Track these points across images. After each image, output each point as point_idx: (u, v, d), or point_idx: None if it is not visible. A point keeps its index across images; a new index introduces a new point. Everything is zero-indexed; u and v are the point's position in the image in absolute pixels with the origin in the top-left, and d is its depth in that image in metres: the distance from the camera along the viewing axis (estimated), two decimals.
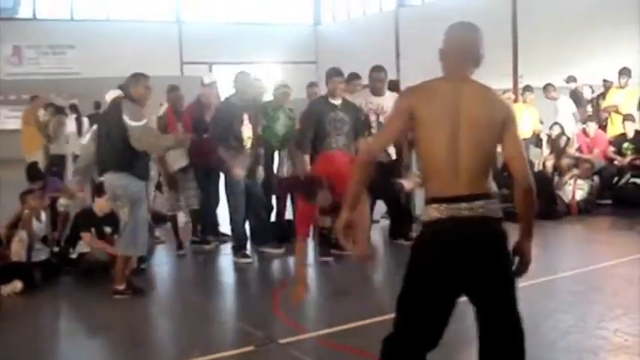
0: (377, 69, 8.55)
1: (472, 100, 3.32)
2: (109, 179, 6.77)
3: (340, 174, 5.31)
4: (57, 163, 11.75)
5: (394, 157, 8.56)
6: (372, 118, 8.28)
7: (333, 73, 8.08)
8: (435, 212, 3.25)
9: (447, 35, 3.47)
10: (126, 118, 6.52)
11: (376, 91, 8.33)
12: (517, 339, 3.36)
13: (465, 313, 6.21)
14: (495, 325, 3.34)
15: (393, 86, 9.90)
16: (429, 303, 3.28)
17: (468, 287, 3.30)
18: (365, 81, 9.13)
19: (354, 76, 9.39)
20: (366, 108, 8.26)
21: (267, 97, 8.84)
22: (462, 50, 3.41)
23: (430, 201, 3.30)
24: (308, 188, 5.46)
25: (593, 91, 13.91)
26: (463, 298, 3.33)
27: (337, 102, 7.92)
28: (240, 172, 7.79)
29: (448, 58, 3.42)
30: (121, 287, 6.74)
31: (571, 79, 13.48)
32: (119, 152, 6.59)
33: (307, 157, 7.79)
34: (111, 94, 7.91)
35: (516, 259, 3.39)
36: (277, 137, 8.42)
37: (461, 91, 3.32)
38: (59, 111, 13.02)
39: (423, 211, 3.35)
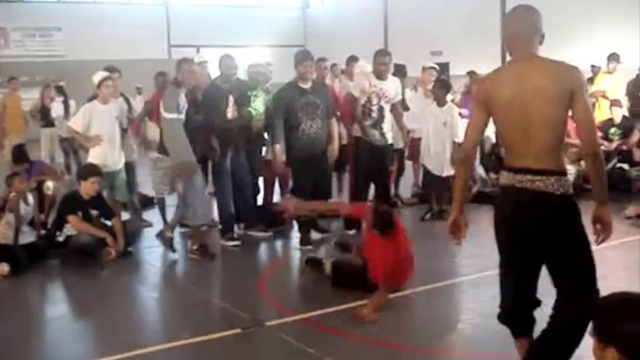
0: (381, 53, 8.55)
1: (539, 76, 3.54)
2: (158, 158, 7.73)
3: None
4: None
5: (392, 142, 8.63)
6: (374, 100, 8.26)
7: (304, 56, 7.94)
8: (504, 179, 3.66)
9: (507, 21, 3.78)
10: (162, 107, 7.22)
11: (380, 75, 8.31)
12: (581, 309, 3.55)
13: (450, 294, 6.24)
14: (563, 292, 3.66)
15: (399, 70, 9.92)
16: (505, 260, 3.76)
17: (530, 252, 3.64)
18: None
19: (353, 59, 9.39)
20: (370, 90, 8.24)
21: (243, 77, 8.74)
22: (522, 31, 3.66)
23: (505, 168, 3.67)
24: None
25: None
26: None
27: (307, 86, 7.82)
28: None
29: (511, 42, 3.71)
30: (195, 247, 7.51)
31: None
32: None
33: (278, 147, 7.76)
34: (98, 76, 7.91)
35: (598, 227, 3.63)
36: (258, 115, 8.34)
37: (528, 69, 3.57)
38: None
39: (500, 175, 3.75)
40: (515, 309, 3.83)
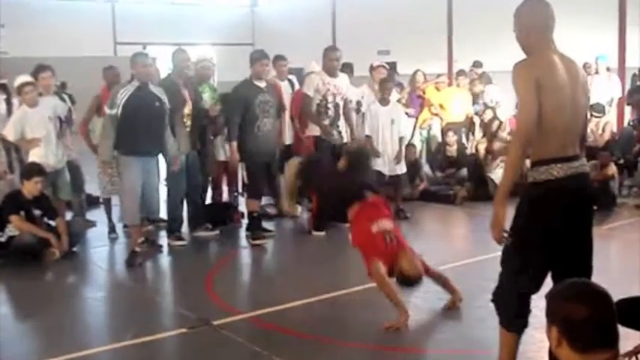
0: (332, 49, 8.63)
1: (577, 69, 3.76)
2: None
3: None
4: None
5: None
6: (330, 98, 8.27)
7: (260, 55, 8.05)
8: (559, 171, 3.60)
9: (534, 12, 3.74)
10: (107, 104, 7.17)
11: (332, 71, 8.32)
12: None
13: (396, 291, 6.24)
14: (576, 260, 3.70)
15: (347, 68, 9.97)
16: (549, 249, 3.64)
17: (573, 232, 3.68)
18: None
19: (280, 58, 9.41)
20: (324, 88, 8.24)
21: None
22: (550, 24, 3.73)
23: (549, 161, 3.62)
24: None
25: None
26: None
27: (262, 84, 7.91)
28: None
29: (541, 33, 3.71)
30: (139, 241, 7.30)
31: (477, 64, 13.49)
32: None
33: (235, 144, 7.77)
34: (19, 80, 7.78)
35: None
36: (204, 112, 8.30)
37: (565, 62, 3.69)
38: None
39: (542, 170, 3.63)
40: (528, 303, 3.80)
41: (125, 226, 8.45)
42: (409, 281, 5.32)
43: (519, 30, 3.75)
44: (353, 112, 9.23)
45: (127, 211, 7.37)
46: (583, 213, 3.74)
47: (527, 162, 3.79)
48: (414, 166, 10.23)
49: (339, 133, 8.42)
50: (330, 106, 8.29)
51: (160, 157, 7.59)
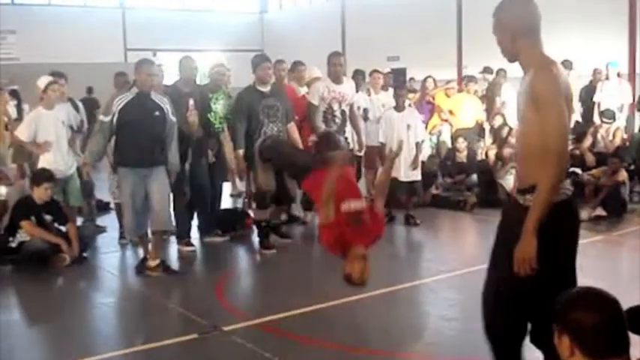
0: (335, 54, 8.52)
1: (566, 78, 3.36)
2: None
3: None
4: None
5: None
6: (336, 106, 8.24)
7: (262, 59, 7.96)
8: (570, 187, 3.39)
9: (529, 11, 3.33)
10: (101, 110, 7.02)
11: (336, 77, 8.27)
12: None
13: (406, 297, 6.29)
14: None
15: (358, 74, 9.98)
16: (558, 273, 3.30)
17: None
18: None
19: (298, 63, 9.36)
20: (329, 96, 8.20)
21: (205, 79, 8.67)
22: (539, 25, 3.35)
23: (569, 176, 3.40)
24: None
25: None
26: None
27: (266, 89, 7.81)
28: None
29: (536, 35, 3.34)
30: (153, 264, 7.02)
31: (487, 70, 13.35)
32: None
33: (242, 152, 7.71)
34: (43, 81, 7.82)
35: None
36: (219, 119, 8.30)
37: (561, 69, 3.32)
38: None
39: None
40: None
41: None
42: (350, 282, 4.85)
43: (503, 32, 3.34)
44: (360, 119, 9.21)
45: (126, 224, 7.22)
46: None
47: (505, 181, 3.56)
48: (431, 176, 10.21)
49: (346, 139, 8.38)
50: (336, 113, 8.25)
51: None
